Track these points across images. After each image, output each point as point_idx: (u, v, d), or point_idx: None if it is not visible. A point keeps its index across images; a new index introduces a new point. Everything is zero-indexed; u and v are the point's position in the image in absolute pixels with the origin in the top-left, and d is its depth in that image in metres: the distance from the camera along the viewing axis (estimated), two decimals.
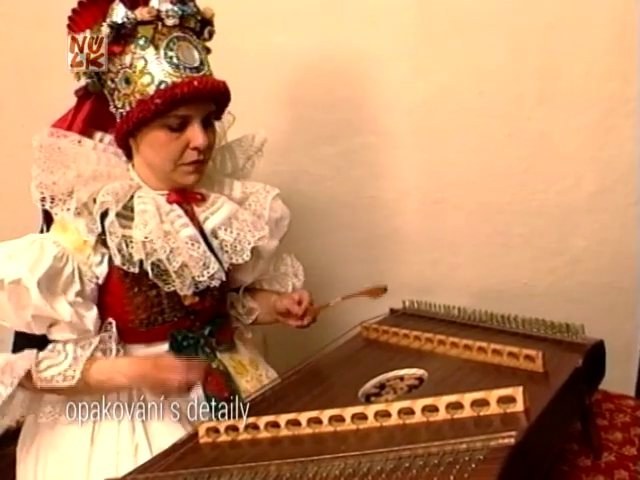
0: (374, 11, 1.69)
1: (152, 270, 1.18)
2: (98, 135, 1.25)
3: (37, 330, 1.16)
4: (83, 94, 1.22)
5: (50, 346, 1.18)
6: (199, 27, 1.22)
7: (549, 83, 1.64)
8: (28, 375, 1.14)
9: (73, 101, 1.25)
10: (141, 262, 1.18)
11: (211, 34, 1.25)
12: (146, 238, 1.16)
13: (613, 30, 1.56)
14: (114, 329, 1.22)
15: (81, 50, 1.14)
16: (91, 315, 1.18)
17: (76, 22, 1.17)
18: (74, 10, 1.17)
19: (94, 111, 1.23)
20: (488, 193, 1.75)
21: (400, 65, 1.71)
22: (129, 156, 1.25)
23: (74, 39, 1.14)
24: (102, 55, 1.14)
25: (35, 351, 1.16)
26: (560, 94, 1.63)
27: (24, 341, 1.18)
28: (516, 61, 1.64)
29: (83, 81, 1.20)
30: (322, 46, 1.74)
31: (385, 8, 1.68)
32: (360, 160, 1.82)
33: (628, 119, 1.60)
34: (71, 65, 1.16)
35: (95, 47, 1.14)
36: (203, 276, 1.21)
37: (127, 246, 1.17)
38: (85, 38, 1.14)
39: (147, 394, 1.21)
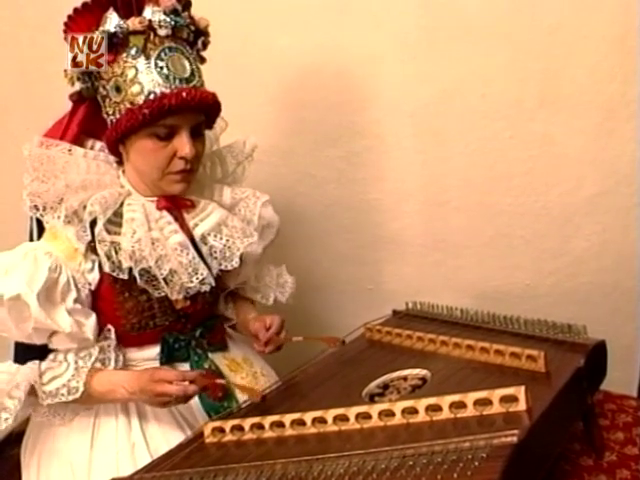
0: (377, 14, 1.69)
1: (141, 277, 1.19)
2: (89, 143, 1.26)
3: (38, 340, 1.17)
4: (77, 99, 1.23)
5: (51, 356, 1.20)
6: (192, 37, 1.23)
7: (551, 85, 1.64)
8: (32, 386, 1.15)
9: None
10: (130, 269, 1.19)
11: (205, 44, 1.26)
12: (133, 246, 1.17)
13: (614, 32, 1.56)
14: (113, 336, 1.23)
15: (81, 51, 1.15)
16: (90, 323, 1.19)
17: (71, 27, 1.18)
18: (69, 16, 1.18)
19: (89, 115, 1.24)
20: (490, 195, 1.76)
21: (403, 68, 1.72)
22: (121, 162, 1.26)
23: (74, 39, 1.15)
24: (102, 55, 1.15)
25: (38, 363, 1.18)
26: (562, 96, 1.64)
27: (25, 350, 1.19)
28: (518, 64, 1.64)
29: (77, 86, 1.21)
30: (325, 49, 1.75)
31: (388, 11, 1.68)
32: (362, 162, 1.83)
33: (630, 121, 1.61)
34: (70, 66, 1.17)
35: (95, 48, 1.15)
36: (192, 282, 1.22)
37: (116, 253, 1.18)
38: (85, 38, 1.14)
39: (146, 404, 1.22)
